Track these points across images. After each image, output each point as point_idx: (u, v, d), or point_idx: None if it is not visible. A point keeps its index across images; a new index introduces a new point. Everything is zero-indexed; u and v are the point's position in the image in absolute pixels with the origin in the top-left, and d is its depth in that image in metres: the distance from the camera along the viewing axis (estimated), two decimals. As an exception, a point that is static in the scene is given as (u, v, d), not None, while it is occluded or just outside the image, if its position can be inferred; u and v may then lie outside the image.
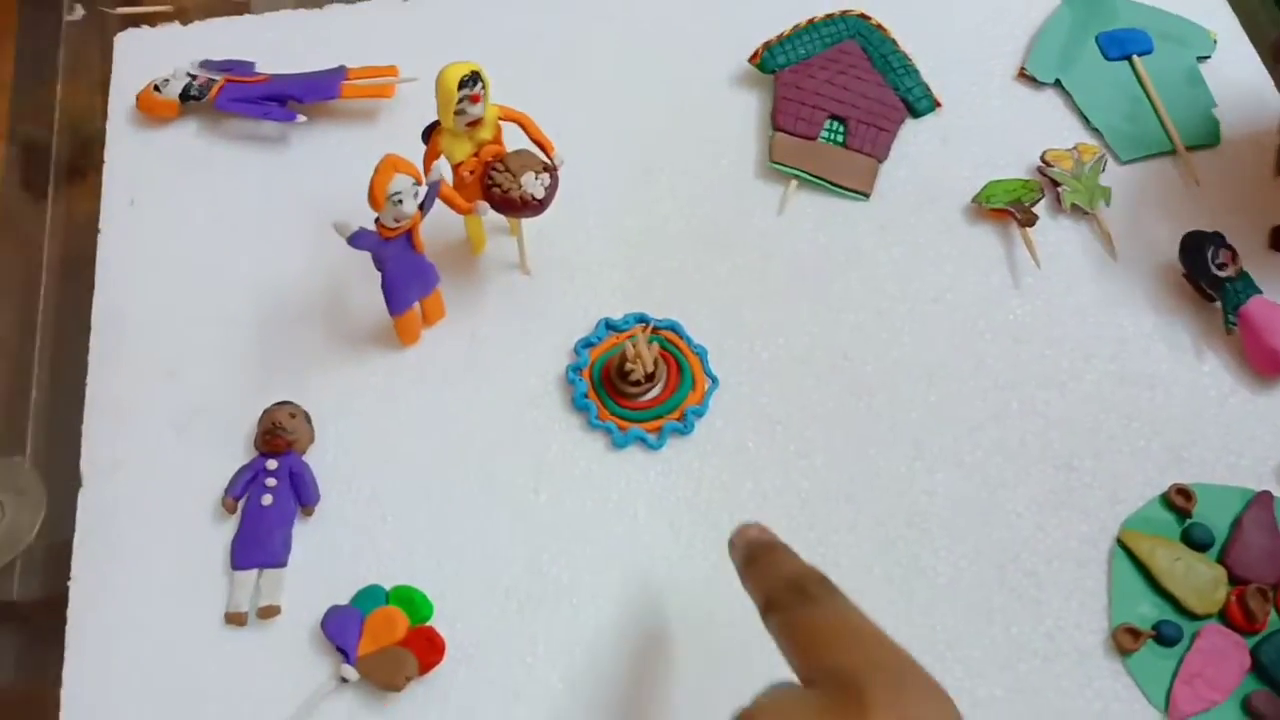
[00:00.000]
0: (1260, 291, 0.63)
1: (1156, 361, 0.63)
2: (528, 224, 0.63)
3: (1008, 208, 0.67)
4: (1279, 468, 0.60)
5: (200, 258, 0.66)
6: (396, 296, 0.59)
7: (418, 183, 0.54)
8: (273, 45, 0.73)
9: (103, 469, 0.59)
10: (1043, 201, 0.68)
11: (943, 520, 0.58)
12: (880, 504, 0.59)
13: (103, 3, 0.77)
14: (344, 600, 0.55)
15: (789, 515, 0.58)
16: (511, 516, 0.58)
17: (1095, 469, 0.60)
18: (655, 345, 0.61)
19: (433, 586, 0.56)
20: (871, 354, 0.63)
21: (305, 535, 0.57)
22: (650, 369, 0.60)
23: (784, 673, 0.39)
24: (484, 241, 0.66)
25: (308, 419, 0.60)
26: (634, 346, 0.60)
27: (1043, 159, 0.69)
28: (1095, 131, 0.72)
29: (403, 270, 0.58)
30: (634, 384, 0.60)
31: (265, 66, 0.72)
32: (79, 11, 0.77)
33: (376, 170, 0.53)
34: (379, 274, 0.57)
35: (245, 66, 0.72)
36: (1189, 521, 0.58)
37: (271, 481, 0.58)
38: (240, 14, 0.76)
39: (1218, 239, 0.64)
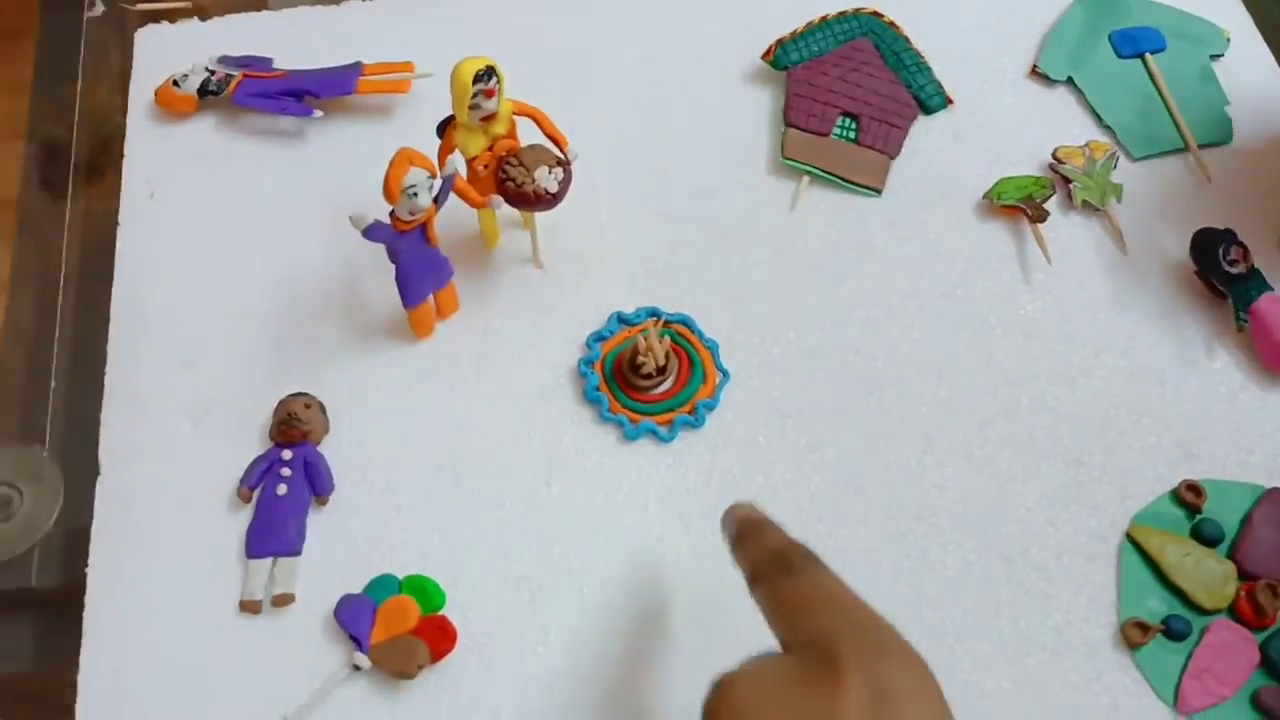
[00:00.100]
0: (1271, 289, 0.63)
1: (1167, 358, 0.64)
2: (541, 218, 0.63)
3: (1019, 204, 0.67)
4: (1289, 464, 0.60)
5: (217, 251, 0.67)
6: (411, 289, 0.59)
7: (432, 176, 0.55)
8: (290, 41, 0.74)
9: (121, 458, 0.60)
10: (1054, 198, 0.68)
11: (952, 514, 0.58)
12: (890, 498, 0.59)
13: (123, -1, 0.78)
14: (357, 589, 0.56)
15: (799, 508, 0.59)
16: (523, 507, 0.58)
17: (1105, 464, 0.60)
18: (667, 339, 0.62)
19: (445, 576, 0.56)
20: (882, 349, 0.64)
21: (319, 525, 0.58)
22: (662, 362, 0.60)
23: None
24: (497, 235, 0.66)
25: (323, 410, 0.60)
26: (646, 340, 0.60)
27: (1054, 156, 0.69)
28: (1107, 129, 0.72)
29: (417, 263, 0.59)
30: (645, 377, 0.60)
31: (283, 62, 0.73)
32: (99, 8, 0.78)
33: (392, 164, 0.53)
34: (394, 267, 0.58)
35: (263, 62, 0.73)
36: (1199, 517, 0.58)
37: (286, 471, 0.58)
38: (259, 10, 0.77)
39: (1229, 236, 0.64)
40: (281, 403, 0.60)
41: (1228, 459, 0.60)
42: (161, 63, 0.73)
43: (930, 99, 0.72)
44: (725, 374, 0.62)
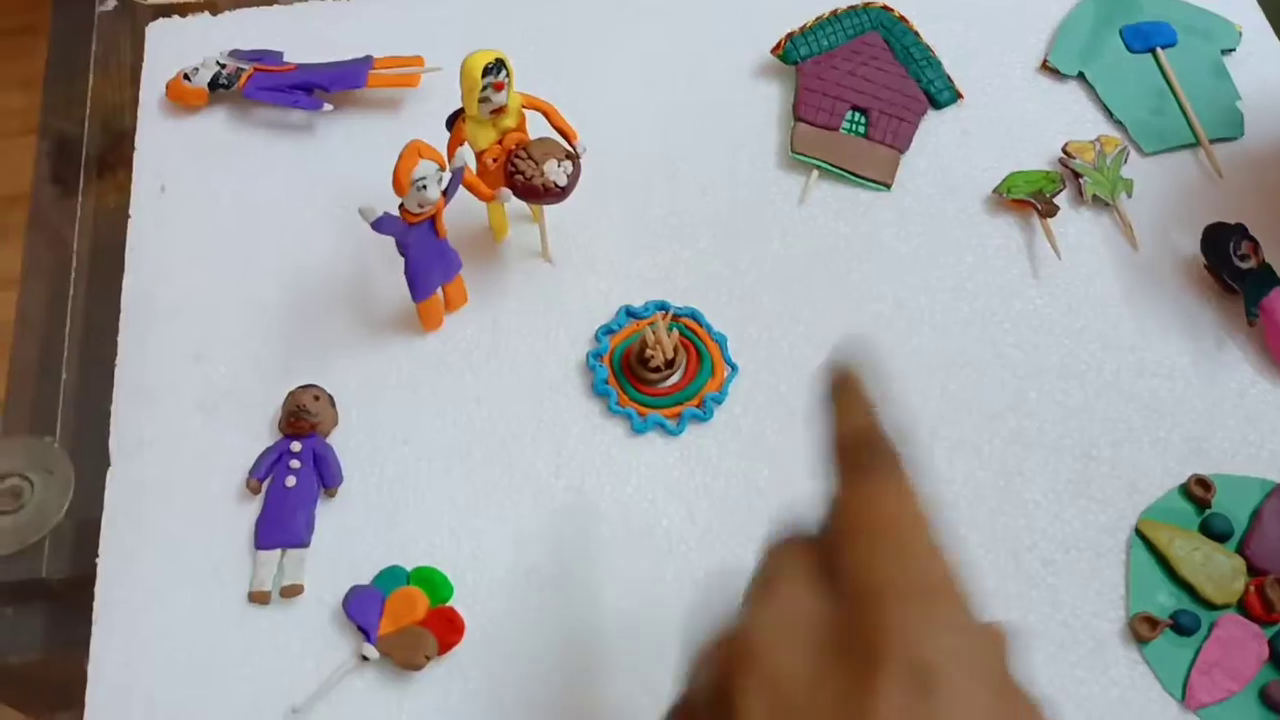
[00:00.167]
0: (1282, 283, 0.63)
1: (1177, 352, 0.63)
2: (550, 212, 0.63)
3: (1029, 199, 0.67)
4: (1300, 459, 0.60)
5: (228, 243, 0.67)
6: (420, 282, 0.60)
7: (442, 169, 0.55)
8: (300, 35, 0.74)
9: (131, 450, 0.60)
10: (1064, 193, 0.68)
11: (961, 508, 0.58)
12: (898, 491, 0.59)
13: (135, -7, 0.78)
14: (365, 580, 0.56)
15: (807, 502, 0.58)
16: (531, 499, 0.59)
17: (1114, 458, 0.60)
18: (675, 332, 0.62)
19: (453, 568, 0.56)
20: (891, 343, 0.63)
21: (328, 516, 0.58)
22: (670, 356, 0.60)
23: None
24: (506, 229, 0.66)
25: (331, 402, 0.60)
26: (654, 333, 0.60)
27: (1064, 150, 0.69)
28: (1118, 124, 0.72)
29: (426, 256, 0.59)
30: (654, 370, 0.60)
31: (293, 56, 0.73)
32: (111, 2, 0.78)
33: (401, 156, 0.54)
34: (403, 260, 0.58)
35: (274, 56, 0.73)
36: (1208, 512, 0.58)
37: (295, 463, 0.58)
38: (269, 4, 0.77)
39: (1240, 231, 0.64)
40: (290, 394, 0.60)
41: (1237, 454, 0.60)
42: (172, 57, 0.73)
43: (940, 94, 0.72)
44: (734, 368, 0.62)
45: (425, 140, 0.55)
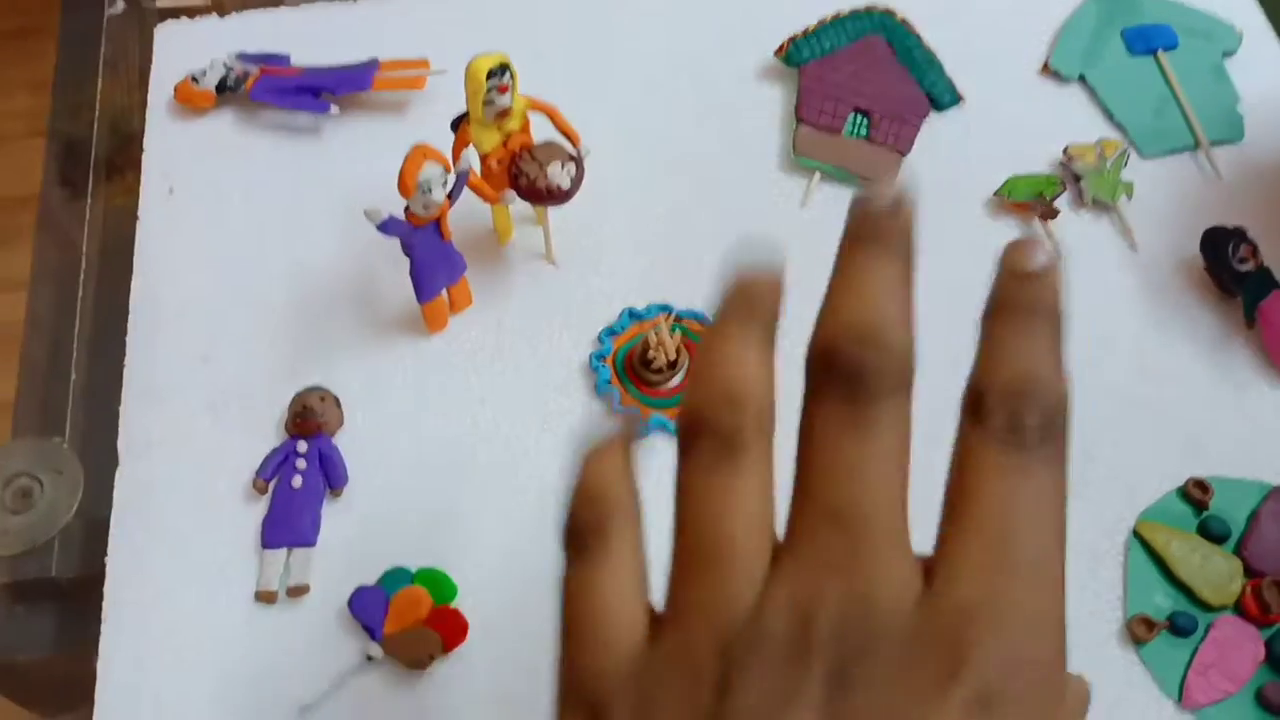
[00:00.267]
0: (1281, 286, 0.64)
1: (1176, 355, 0.64)
2: (554, 214, 0.64)
3: (1030, 201, 0.67)
4: (1297, 462, 0.60)
5: (235, 245, 0.67)
6: (425, 284, 0.60)
7: (447, 172, 0.56)
8: (307, 37, 0.75)
9: (139, 450, 0.61)
10: (1064, 196, 0.68)
11: (960, 509, 0.59)
12: (898, 493, 0.59)
13: (144, -5, 0.79)
14: (371, 580, 0.56)
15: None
16: (535, 500, 0.59)
17: (1112, 460, 0.60)
18: (678, 334, 0.62)
19: (457, 568, 0.57)
20: (892, 345, 0.64)
21: (334, 516, 0.59)
22: (672, 357, 0.61)
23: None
24: (510, 231, 0.67)
25: (337, 403, 0.61)
26: (657, 335, 0.61)
27: (1065, 153, 0.70)
28: (1119, 126, 0.72)
29: (431, 258, 0.59)
30: (656, 371, 0.61)
31: (299, 58, 0.73)
32: (120, 5, 0.79)
33: (407, 159, 0.54)
34: (408, 261, 0.59)
35: (280, 59, 0.73)
36: (1206, 514, 0.58)
37: (301, 464, 0.59)
38: (276, 6, 0.78)
39: (1239, 234, 0.64)
40: (297, 396, 0.61)
41: (1236, 457, 0.60)
42: (180, 59, 0.73)
43: (941, 96, 0.72)
44: (735, 369, 0.63)
45: (430, 143, 0.55)
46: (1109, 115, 0.72)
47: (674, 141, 0.71)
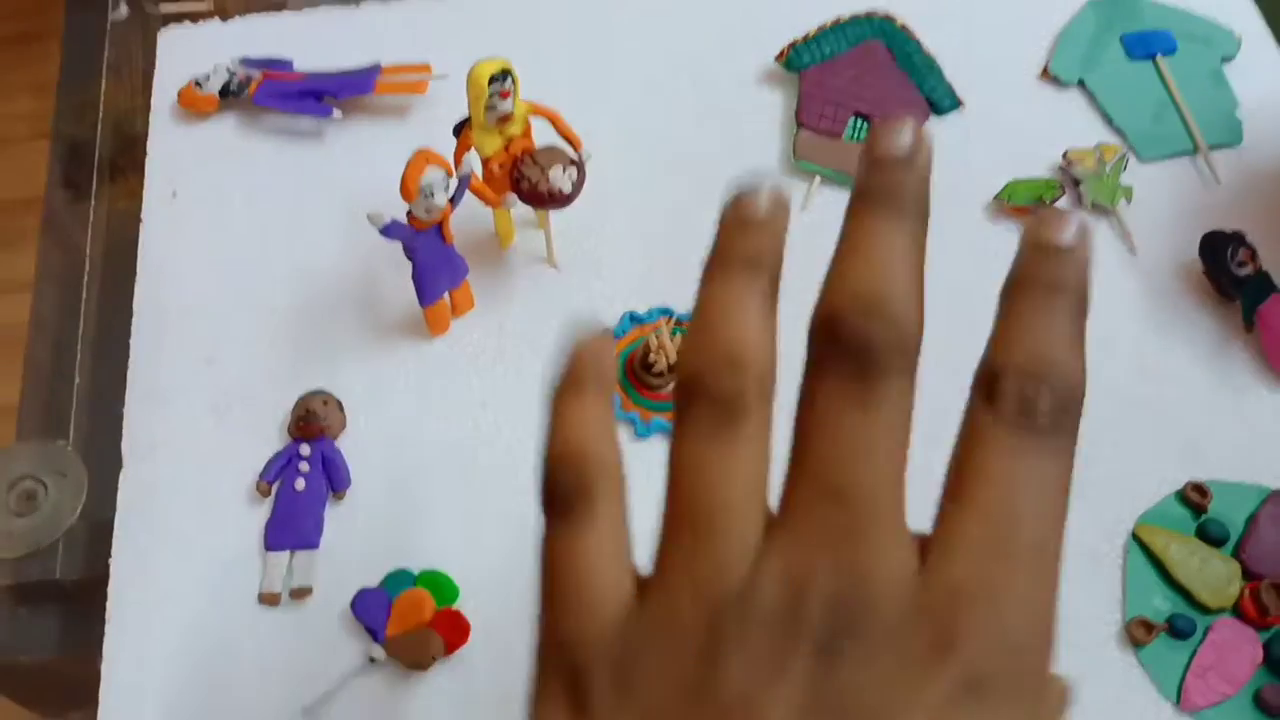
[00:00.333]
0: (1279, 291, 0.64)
1: (1174, 358, 0.64)
2: (555, 217, 0.64)
3: (1030, 205, 0.68)
4: (1296, 465, 0.61)
5: (238, 248, 0.68)
6: (427, 287, 0.60)
7: (449, 176, 0.56)
8: (309, 42, 0.75)
9: (143, 452, 0.61)
10: (1064, 200, 0.68)
11: (959, 512, 0.59)
12: (898, 496, 0.59)
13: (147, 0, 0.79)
14: (373, 582, 0.57)
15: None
16: (537, 503, 0.59)
17: (1111, 464, 0.60)
18: (679, 337, 0.62)
19: (459, 570, 0.57)
20: (892, 348, 0.64)
21: (336, 519, 0.59)
22: (673, 361, 0.61)
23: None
24: (512, 234, 0.67)
25: (340, 406, 0.61)
26: (658, 339, 0.61)
27: (1065, 157, 0.70)
28: (1118, 131, 0.72)
29: (433, 261, 0.59)
30: (657, 375, 0.61)
31: (302, 63, 0.74)
32: (124, 9, 0.79)
33: (409, 163, 0.55)
34: (410, 265, 0.59)
35: (283, 64, 0.74)
36: (1204, 517, 0.59)
37: (304, 466, 0.59)
38: (279, 10, 0.78)
39: (1238, 238, 0.64)
40: (300, 399, 0.61)
41: (1234, 460, 0.61)
42: (184, 64, 0.74)
43: (941, 101, 0.73)
44: (736, 372, 0.63)
45: (432, 147, 0.56)
46: (1108, 120, 0.73)
47: (675, 145, 0.72)
